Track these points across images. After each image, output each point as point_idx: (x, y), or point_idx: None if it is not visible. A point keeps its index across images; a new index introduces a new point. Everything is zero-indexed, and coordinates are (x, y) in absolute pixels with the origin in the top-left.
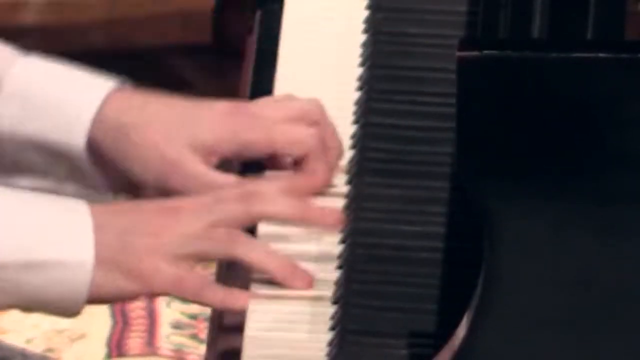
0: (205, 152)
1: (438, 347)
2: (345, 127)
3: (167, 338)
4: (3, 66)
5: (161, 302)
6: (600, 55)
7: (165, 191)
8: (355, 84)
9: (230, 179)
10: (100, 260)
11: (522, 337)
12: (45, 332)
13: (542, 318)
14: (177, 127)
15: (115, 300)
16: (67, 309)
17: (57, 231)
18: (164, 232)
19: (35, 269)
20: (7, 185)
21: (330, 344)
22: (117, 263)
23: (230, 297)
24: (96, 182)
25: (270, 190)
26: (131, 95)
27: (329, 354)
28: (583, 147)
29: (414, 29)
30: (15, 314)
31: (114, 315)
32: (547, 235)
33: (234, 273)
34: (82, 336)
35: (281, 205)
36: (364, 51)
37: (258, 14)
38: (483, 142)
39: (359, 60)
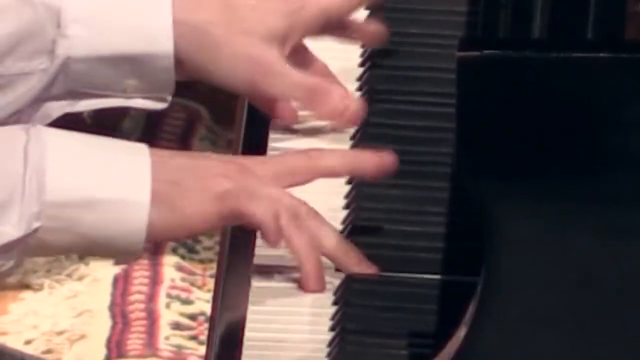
0: (279, 40)
1: (438, 347)
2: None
3: (167, 339)
4: None
5: (161, 303)
6: (600, 55)
7: (252, 93)
8: (355, 84)
9: (314, 81)
10: (155, 200)
11: (522, 337)
12: (45, 333)
13: (542, 318)
14: (249, 21)
15: (166, 238)
16: (127, 249)
17: (116, 171)
18: (219, 178)
19: (94, 207)
20: (66, 111)
21: (330, 344)
22: (167, 200)
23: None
24: (168, 89)
25: (334, 163)
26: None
27: (329, 354)
28: (583, 147)
29: (414, 29)
30: (15, 315)
31: (113, 316)
32: (547, 235)
33: (233, 266)
34: (81, 337)
35: (338, 157)
36: (364, 51)
37: None
38: (483, 142)
39: (359, 60)
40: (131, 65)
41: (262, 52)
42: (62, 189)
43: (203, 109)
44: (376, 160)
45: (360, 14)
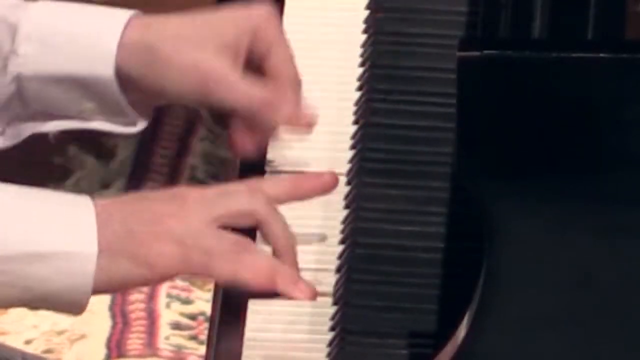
0: (231, 52)
1: (438, 347)
2: (345, 127)
3: (167, 339)
4: (14, 9)
5: (161, 303)
6: (600, 55)
7: (205, 105)
8: (355, 84)
9: (263, 92)
10: (105, 249)
11: (522, 337)
12: (45, 333)
13: (542, 318)
14: (201, 35)
15: (124, 287)
16: (73, 302)
17: (60, 222)
18: (168, 219)
19: (39, 261)
20: (36, 131)
21: (330, 344)
22: (122, 250)
23: (240, 269)
24: (125, 112)
25: (269, 191)
26: (149, 18)
27: (329, 354)
28: (583, 147)
29: (414, 29)
30: (15, 315)
31: (113, 316)
32: (547, 235)
33: None
34: (82, 337)
35: (280, 224)
36: (364, 51)
37: None
38: (483, 142)
39: (359, 60)
40: (80, 87)
41: (212, 63)
42: (6, 243)
43: (203, 109)
44: (314, 182)
45: (361, 14)
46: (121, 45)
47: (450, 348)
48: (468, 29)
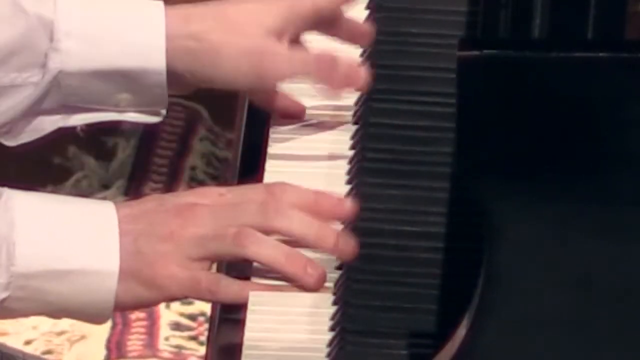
0: (276, 33)
1: (438, 347)
2: (345, 127)
3: (167, 339)
4: (48, 6)
5: (161, 304)
6: (601, 55)
7: (258, 86)
8: None
9: (310, 55)
10: (121, 269)
11: (522, 337)
12: (45, 333)
13: (542, 318)
14: (242, 21)
15: (137, 308)
16: (95, 316)
17: (83, 239)
18: (177, 235)
19: (62, 278)
20: (62, 125)
21: (330, 344)
22: (134, 272)
23: (246, 290)
24: (160, 102)
25: (290, 200)
26: (183, 9)
27: (329, 354)
28: (583, 147)
29: (414, 29)
30: None
31: (113, 316)
32: (547, 235)
33: (233, 265)
34: (82, 338)
35: (298, 222)
36: (364, 51)
37: None
38: (483, 142)
39: (359, 60)
40: (124, 80)
41: (261, 42)
42: (31, 259)
43: (203, 109)
44: (336, 207)
45: (360, 14)
46: (167, 38)
47: (450, 348)
48: (468, 29)
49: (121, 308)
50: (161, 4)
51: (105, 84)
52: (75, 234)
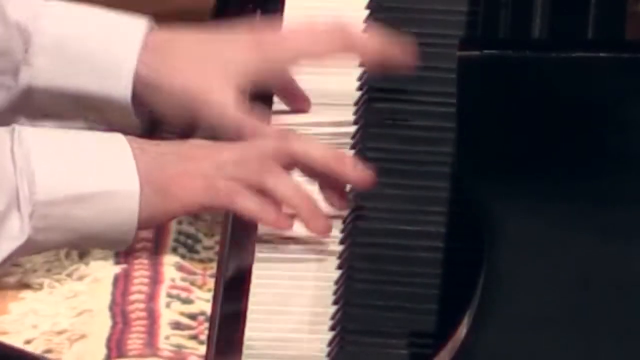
0: (237, 79)
1: (438, 347)
2: (345, 127)
3: (167, 339)
4: (29, 17)
5: (161, 303)
6: (601, 55)
7: (193, 125)
8: (356, 84)
9: (262, 126)
10: (143, 184)
11: (522, 337)
12: (45, 332)
13: (542, 318)
14: (206, 57)
15: (154, 222)
16: (119, 240)
17: (99, 162)
18: (202, 159)
19: (84, 202)
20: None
21: (330, 344)
22: (155, 185)
23: (262, 211)
24: (133, 126)
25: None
26: (165, 34)
27: (329, 354)
28: (583, 147)
29: (414, 29)
30: (15, 315)
31: (113, 316)
32: (547, 235)
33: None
34: (82, 337)
35: (315, 147)
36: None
37: (258, 14)
38: (483, 142)
39: (359, 60)
40: (91, 102)
41: (202, 86)
42: (53, 187)
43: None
44: (347, 171)
45: (360, 14)
46: (136, 69)
47: (450, 348)
48: (468, 29)
49: (147, 224)
50: (144, 25)
51: (73, 103)
52: (91, 158)
